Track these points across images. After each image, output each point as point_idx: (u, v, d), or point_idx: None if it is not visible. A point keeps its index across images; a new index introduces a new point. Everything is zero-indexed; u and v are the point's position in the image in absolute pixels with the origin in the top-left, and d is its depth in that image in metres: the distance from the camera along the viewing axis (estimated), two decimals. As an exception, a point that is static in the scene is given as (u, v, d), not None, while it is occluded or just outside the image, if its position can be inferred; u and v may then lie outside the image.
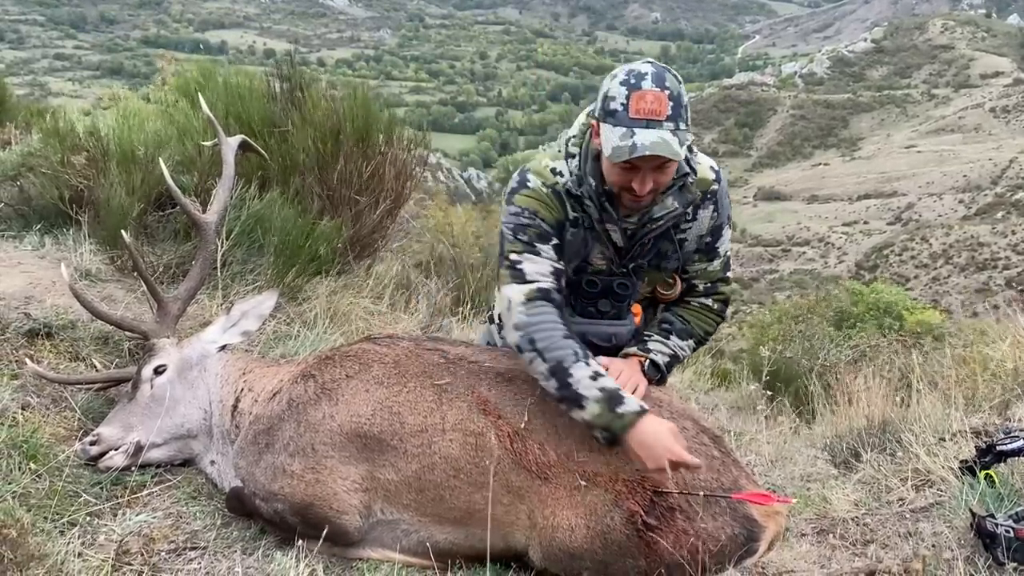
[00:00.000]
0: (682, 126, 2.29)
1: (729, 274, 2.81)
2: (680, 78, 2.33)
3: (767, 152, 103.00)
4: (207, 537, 2.53)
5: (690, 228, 2.64)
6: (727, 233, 2.73)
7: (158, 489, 2.70)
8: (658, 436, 2.25)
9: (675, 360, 2.73)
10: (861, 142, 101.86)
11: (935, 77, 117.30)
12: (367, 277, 4.59)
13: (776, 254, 71.55)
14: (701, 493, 2.31)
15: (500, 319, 2.49)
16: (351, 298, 4.26)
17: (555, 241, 2.50)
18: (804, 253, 71.11)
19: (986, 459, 2.78)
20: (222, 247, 3.74)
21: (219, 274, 3.73)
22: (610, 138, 2.29)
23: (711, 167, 2.62)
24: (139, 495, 2.65)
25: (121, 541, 2.39)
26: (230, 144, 3.28)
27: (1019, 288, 48.58)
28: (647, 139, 2.24)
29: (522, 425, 2.42)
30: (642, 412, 2.26)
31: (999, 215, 64.89)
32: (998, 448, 2.77)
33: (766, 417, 4.53)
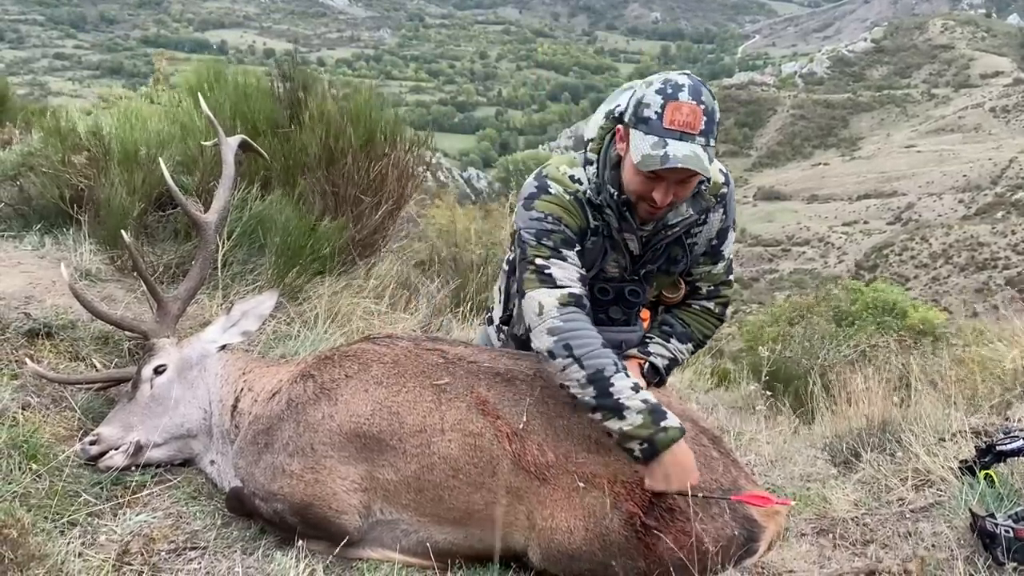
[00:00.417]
0: (712, 142, 2.29)
1: (731, 277, 2.81)
2: (713, 94, 2.32)
3: (767, 152, 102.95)
4: (207, 537, 2.53)
5: (701, 232, 2.64)
6: (731, 236, 2.73)
7: (158, 489, 2.70)
8: (690, 457, 2.28)
9: (674, 363, 2.74)
10: (861, 142, 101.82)
11: (935, 77, 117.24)
12: (368, 277, 4.59)
13: (776, 254, 71.51)
14: (700, 495, 2.31)
15: (526, 323, 2.45)
16: (351, 298, 4.26)
17: (578, 248, 2.49)
18: (804, 253, 71.07)
19: (986, 459, 2.79)
20: (223, 247, 3.75)
21: (219, 274, 3.73)
22: (640, 146, 2.28)
23: (720, 170, 2.62)
24: (139, 495, 2.65)
25: (122, 541, 2.39)
26: (230, 144, 3.28)
27: (1019, 288, 48.60)
28: (680, 151, 2.23)
29: (521, 426, 2.42)
30: (683, 430, 2.27)
31: (999, 215, 64.87)
32: (998, 448, 2.77)
33: (766, 417, 4.53)
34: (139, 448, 2.70)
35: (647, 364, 2.66)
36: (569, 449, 2.39)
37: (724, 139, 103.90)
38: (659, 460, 2.25)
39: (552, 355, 2.34)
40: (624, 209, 2.49)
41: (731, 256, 2.77)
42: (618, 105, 2.48)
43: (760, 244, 73.22)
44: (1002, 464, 2.78)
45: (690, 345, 2.78)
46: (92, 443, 2.66)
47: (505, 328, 2.93)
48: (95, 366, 3.11)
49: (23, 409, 2.74)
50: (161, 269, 3.77)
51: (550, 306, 2.37)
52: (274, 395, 2.65)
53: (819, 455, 3.84)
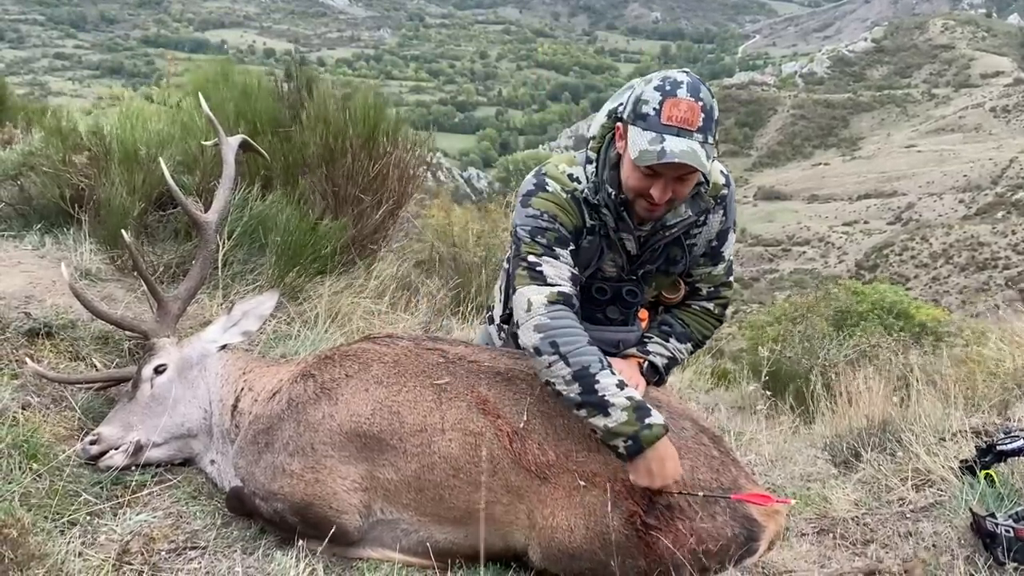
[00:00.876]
0: (710, 139, 2.29)
1: (731, 278, 2.81)
2: (712, 92, 2.33)
3: (767, 152, 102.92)
4: (207, 537, 2.53)
5: (700, 233, 2.64)
6: (732, 237, 2.73)
7: (158, 489, 2.70)
8: (674, 453, 2.28)
9: (673, 363, 2.74)
10: (861, 142, 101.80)
11: (935, 77, 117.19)
12: (368, 277, 4.59)
13: (776, 254, 71.50)
14: (700, 493, 2.31)
15: (514, 319, 2.46)
16: (352, 298, 4.26)
17: (572, 247, 2.49)
18: (804, 253, 71.07)
19: (986, 459, 2.79)
20: (223, 247, 3.75)
21: (220, 274, 3.73)
22: (638, 141, 2.28)
23: (720, 171, 2.62)
24: (139, 495, 2.66)
25: (122, 541, 2.39)
26: (230, 144, 3.28)
27: (1019, 288, 48.60)
28: (676, 147, 2.24)
29: (521, 425, 2.42)
30: (667, 427, 2.27)
31: (999, 215, 64.87)
32: (998, 448, 2.77)
33: (766, 417, 4.53)
34: (139, 448, 2.70)
35: (646, 363, 2.67)
36: (569, 448, 2.40)
37: (724, 139, 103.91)
38: (643, 456, 2.26)
39: (538, 351, 2.34)
40: (621, 209, 2.49)
41: (731, 257, 2.76)
42: (620, 104, 2.48)
43: (760, 244, 73.21)
44: (1002, 464, 2.79)
45: (689, 345, 2.78)
46: (92, 443, 2.66)
47: (506, 327, 2.93)
48: (95, 366, 3.12)
49: (23, 409, 2.74)
50: (161, 269, 3.77)
51: (538, 303, 2.38)
52: (274, 395, 2.65)
53: (819, 455, 3.84)
